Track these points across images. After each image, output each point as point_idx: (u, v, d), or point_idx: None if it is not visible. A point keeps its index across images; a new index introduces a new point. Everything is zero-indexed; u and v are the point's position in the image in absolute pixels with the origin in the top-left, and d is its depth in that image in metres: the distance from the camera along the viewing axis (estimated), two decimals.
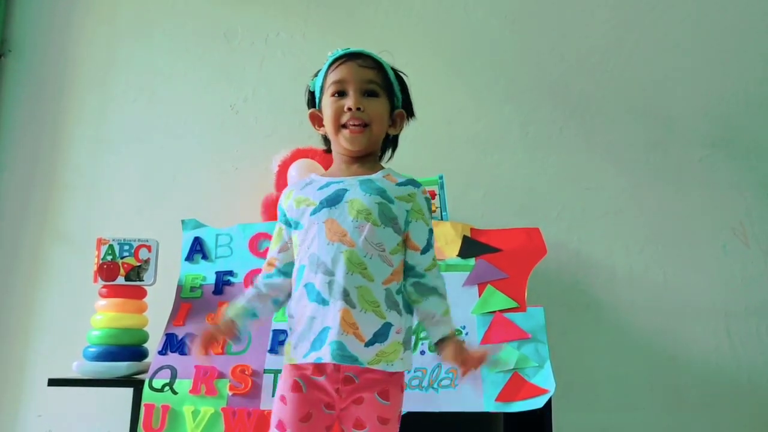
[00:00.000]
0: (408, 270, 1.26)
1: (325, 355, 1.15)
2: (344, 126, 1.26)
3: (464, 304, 1.75)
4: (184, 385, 1.63)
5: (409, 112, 1.37)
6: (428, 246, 1.27)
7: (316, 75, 1.36)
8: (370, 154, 1.31)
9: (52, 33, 2.41)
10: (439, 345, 1.25)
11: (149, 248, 1.83)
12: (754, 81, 2.36)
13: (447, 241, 1.85)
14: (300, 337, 1.20)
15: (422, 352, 1.69)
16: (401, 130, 1.37)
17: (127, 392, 1.69)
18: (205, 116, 2.34)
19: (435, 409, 1.58)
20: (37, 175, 2.31)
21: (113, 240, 1.82)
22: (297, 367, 1.22)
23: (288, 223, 1.30)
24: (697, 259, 2.23)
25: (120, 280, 1.79)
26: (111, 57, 2.39)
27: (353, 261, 1.18)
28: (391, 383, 1.23)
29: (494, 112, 2.34)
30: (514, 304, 1.73)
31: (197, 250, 1.92)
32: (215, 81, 2.37)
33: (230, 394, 1.61)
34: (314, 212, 1.23)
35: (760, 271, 2.23)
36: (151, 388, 1.63)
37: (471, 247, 1.84)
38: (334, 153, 1.35)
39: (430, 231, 1.29)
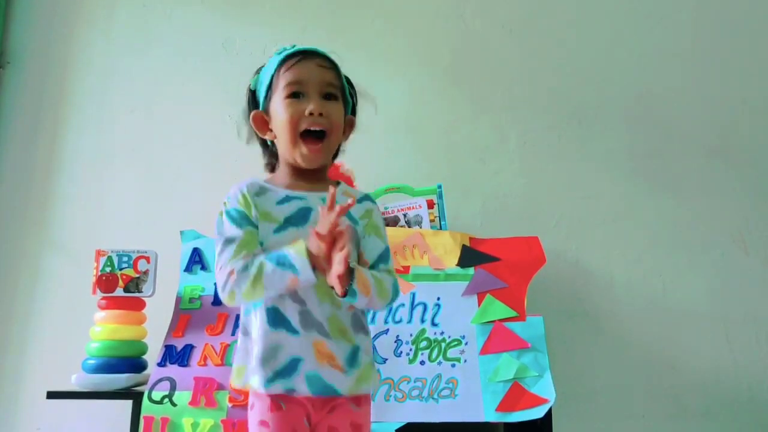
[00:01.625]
0: None
1: (299, 385, 1.10)
2: (302, 136, 1.17)
3: (463, 314, 1.75)
4: (183, 397, 1.63)
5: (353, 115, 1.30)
6: (380, 261, 1.19)
7: (257, 72, 1.28)
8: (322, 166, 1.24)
9: (51, 45, 2.41)
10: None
11: (148, 259, 1.83)
12: (752, 89, 2.37)
13: (446, 251, 1.85)
14: (262, 362, 1.11)
15: (422, 362, 1.69)
16: (348, 138, 1.29)
17: (127, 404, 1.69)
18: (204, 127, 2.34)
19: (435, 420, 1.58)
20: (36, 186, 2.31)
21: (112, 251, 1.82)
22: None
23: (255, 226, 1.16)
24: (696, 267, 2.23)
25: (119, 291, 1.79)
26: (109, 68, 2.40)
27: (323, 289, 1.12)
28: None
29: (492, 121, 2.35)
30: (513, 314, 1.73)
31: (196, 261, 1.91)
32: (213, 92, 2.36)
33: (230, 405, 1.60)
34: (278, 230, 1.16)
35: (759, 278, 2.22)
36: (151, 400, 1.62)
37: (470, 256, 1.84)
38: (281, 160, 1.25)
39: (387, 249, 1.21)
